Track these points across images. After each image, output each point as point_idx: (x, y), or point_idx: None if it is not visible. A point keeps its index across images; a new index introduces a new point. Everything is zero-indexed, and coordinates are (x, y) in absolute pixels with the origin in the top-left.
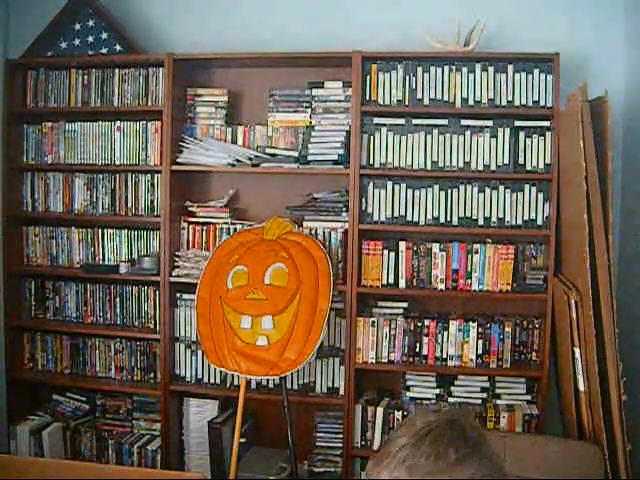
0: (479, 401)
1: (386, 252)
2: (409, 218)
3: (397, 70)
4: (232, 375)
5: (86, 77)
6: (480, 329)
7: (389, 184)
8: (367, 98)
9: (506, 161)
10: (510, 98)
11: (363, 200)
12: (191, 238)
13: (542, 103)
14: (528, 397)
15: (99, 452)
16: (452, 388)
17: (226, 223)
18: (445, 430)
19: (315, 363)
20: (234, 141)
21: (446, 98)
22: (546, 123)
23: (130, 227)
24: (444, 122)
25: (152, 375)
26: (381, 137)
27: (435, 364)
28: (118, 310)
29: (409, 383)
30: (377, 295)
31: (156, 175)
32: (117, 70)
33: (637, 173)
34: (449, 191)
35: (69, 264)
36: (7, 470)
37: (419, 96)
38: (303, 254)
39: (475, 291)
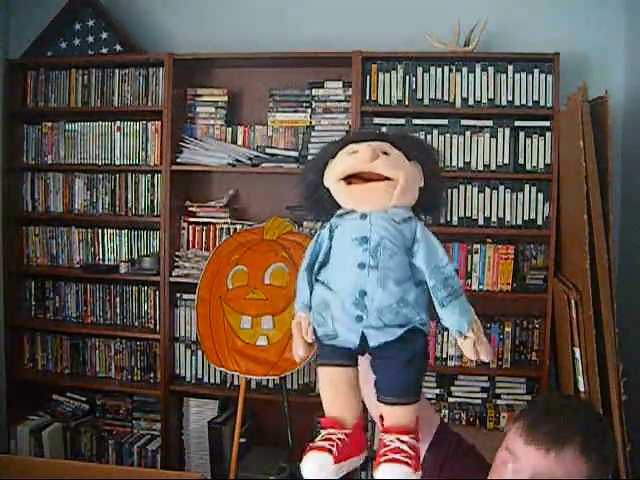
0: (479, 401)
1: None
2: None
3: (397, 70)
4: (232, 375)
5: (86, 77)
6: None
7: None
8: (367, 98)
9: (506, 161)
10: (510, 98)
11: None
12: (191, 238)
13: (542, 103)
14: (528, 397)
15: (99, 452)
16: (452, 388)
17: (226, 223)
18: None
19: (315, 363)
20: (234, 141)
21: (446, 98)
22: (546, 123)
23: (130, 227)
24: (444, 122)
25: (152, 375)
26: None
27: (435, 364)
28: (118, 310)
29: None
30: None
31: (156, 175)
32: (117, 70)
33: (637, 173)
34: (449, 191)
35: (69, 264)
36: (7, 470)
37: (419, 96)
38: (303, 254)
39: (475, 291)
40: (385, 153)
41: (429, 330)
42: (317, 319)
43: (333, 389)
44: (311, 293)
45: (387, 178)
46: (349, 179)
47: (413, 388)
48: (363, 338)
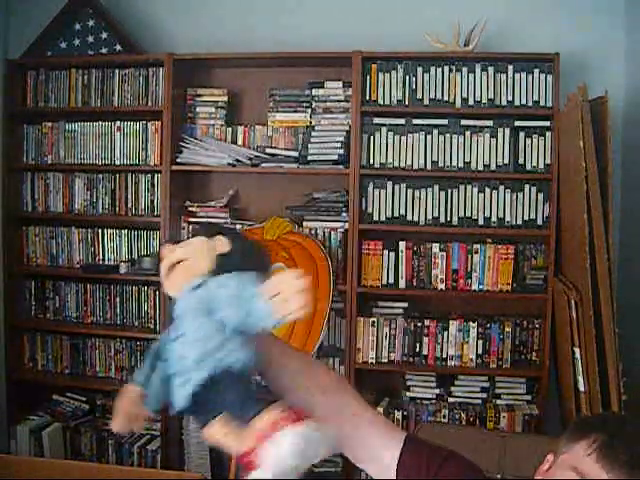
0: (479, 401)
1: (386, 252)
2: (409, 218)
3: (397, 70)
4: None
5: (86, 77)
6: (480, 329)
7: (389, 184)
8: (367, 98)
9: (506, 161)
10: (510, 98)
11: (363, 200)
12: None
13: (542, 103)
14: (528, 397)
15: (99, 452)
16: (452, 388)
17: (226, 223)
18: None
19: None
20: (234, 141)
21: (446, 98)
22: (546, 123)
23: (130, 227)
24: (444, 122)
25: None
26: (381, 137)
27: (435, 364)
28: (118, 310)
29: (409, 383)
30: (377, 295)
31: (156, 175)
32: (117, 70)
33: (637, 173)
34: (449, 191)
35: (69, 264)
36: (7, 470)
37: (419, 96)
38: (303, 254)
39: (475, 291)
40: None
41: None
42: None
43: None
44: None
45: None
46: None
47: None
48: None
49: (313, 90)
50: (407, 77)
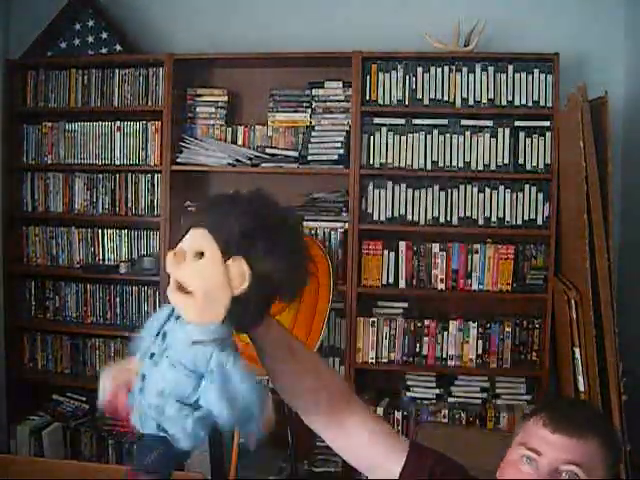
0: (479, 401)
1: (386, 252)
2: (409, 218)
3: (397, 70)
4: None
5: (86, 77)
6: (480, 329)
7: (389, 184)
8: (367, 98)
9: (506, 161)
10: (510, 98)
11: (363, 200)
12: None
13: (542, 103)
14: (528, 397)
15: (99, 452)
16: (452, 388)
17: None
18: None
19: None
20: (234, 141)
21: (446, 98)
22: (546, 123)
23: (130, 227)
24: (444, 122)
25: None
26: (381, 137)
27: (435, 364)
28: (118, 310)
29: (409, 383)
30: (377, 295)
31: (156, 175)
32: (117, 70)
33: (637, 173)
34: (449, 191)
35: (69, 264)
36: (7, 470)
37: (419, 96)
38: None
39: (475, 291)
40: (201, 253)
41: None
42: None
43: None
44: None
45: None
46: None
47: None
48: None
49: (313, 90)
50: (407, 77)
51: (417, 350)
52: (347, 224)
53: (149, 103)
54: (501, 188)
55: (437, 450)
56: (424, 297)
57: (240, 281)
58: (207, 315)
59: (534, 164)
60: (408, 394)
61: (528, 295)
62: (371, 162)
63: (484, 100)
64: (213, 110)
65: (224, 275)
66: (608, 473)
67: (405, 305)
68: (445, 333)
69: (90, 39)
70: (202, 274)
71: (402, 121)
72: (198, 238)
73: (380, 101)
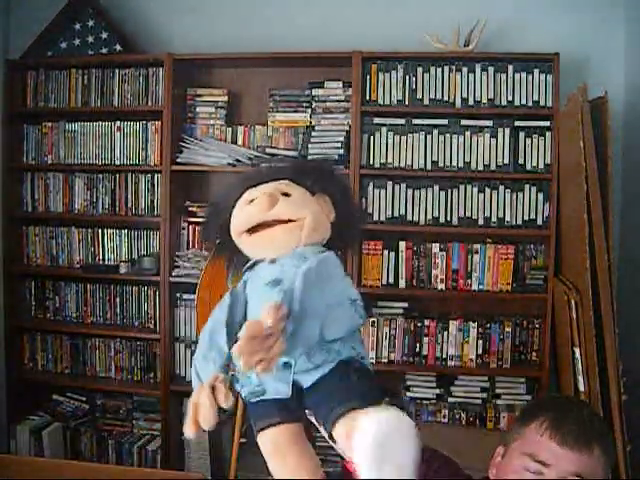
0: (479, 401)
1: (386, 252)
2: (409, 218)
3: (397, 70)
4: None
5: (86, 77)
6: (480, 329)
7: (389, 184)
8: (367, 98)
9: (506, 161)
10: (510, 98)
11: (363, 200)
12: (191, 238)
13: (542, 103)
14: (528, 397)
15: (99, 452)
16: (452, 388)
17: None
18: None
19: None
20: (234, 141)
21: (446, 98)
22: (546, 123)
23: (130, 227)
24: (444, 122)
25: (152, 375)
26: (381, 137)
27: (435, 364)
28: (118, 310)
29: (409, 383)
30: (377, 295)
31: (156, 175)
32: (117, 70)
33: (637, 173)
34: (449, 191)
35: (69, 264)
36: (7, 470)
37: (419, 96)
38: None
39: (475, 291)
40: (286, 194)
41: (369, 362)
42: (237, 378)
43: (280, 454)
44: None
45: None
46: (254, 229)
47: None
48: (293, 384)
49: (313, 90)
50: (407, 77)
51: (417, 350)
52: None
53: (149, 103)
54: (501, 188)
55: (432, 447)
56: (424, 297)
57: (329, 209)
58: (319, 233)
59: (534, 164)
60: (408, 394)
61: (528, 295)
62: (371, 162)
63: (484, 100)
64: (213, 110)
65: (321, 199)
66: (607, 473)
67: (405, 305)
68: (445, 333)
69: (90, 39)
70: (305, 203)
71: (402, 121)
72: (282, 184)
73: (380, 101)
